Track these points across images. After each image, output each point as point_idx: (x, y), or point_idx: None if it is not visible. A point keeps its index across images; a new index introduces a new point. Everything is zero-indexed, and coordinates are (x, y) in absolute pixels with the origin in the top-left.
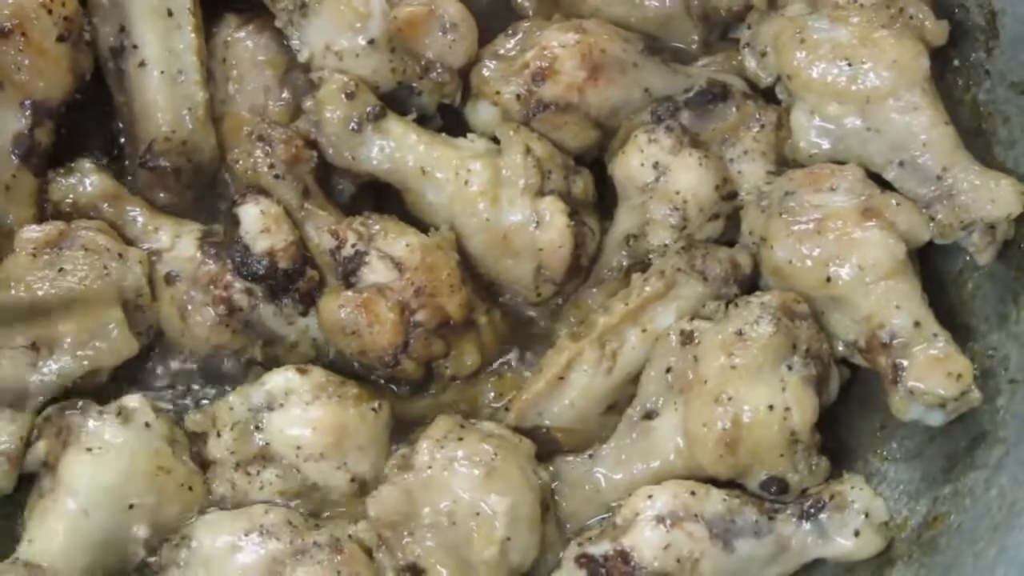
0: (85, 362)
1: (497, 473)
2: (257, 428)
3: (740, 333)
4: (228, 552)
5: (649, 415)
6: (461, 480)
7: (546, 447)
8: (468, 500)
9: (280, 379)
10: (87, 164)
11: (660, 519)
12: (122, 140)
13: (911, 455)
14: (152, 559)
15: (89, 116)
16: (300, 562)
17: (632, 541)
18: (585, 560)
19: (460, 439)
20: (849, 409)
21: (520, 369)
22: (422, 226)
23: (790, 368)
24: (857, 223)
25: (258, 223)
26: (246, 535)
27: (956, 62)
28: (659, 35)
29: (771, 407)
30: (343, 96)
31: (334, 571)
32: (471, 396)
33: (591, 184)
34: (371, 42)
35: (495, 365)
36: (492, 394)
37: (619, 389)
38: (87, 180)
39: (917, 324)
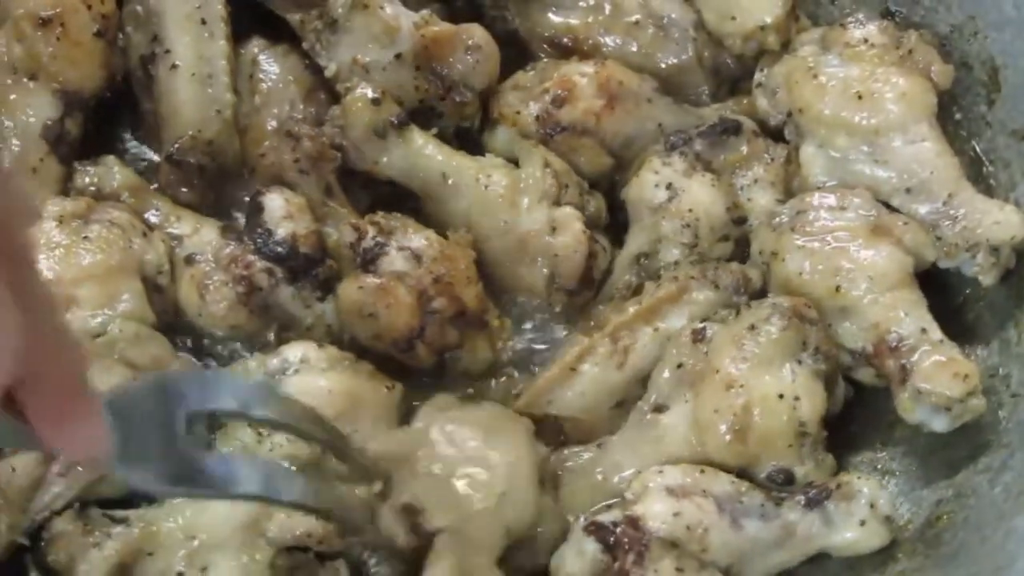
0: (99, 321)
1: (497, 435)
2: None
3: (752, 327)
4: None
5: (659, 408)
6: (460, 437)
7: (553, 437)
8: (467, 454)
9: (298, 348)
10: (112, 158)
11: (670, 490)
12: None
13: (912, 467)
14: None
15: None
16: None
17: (643, 509)
18: (594, 528)
19: (459, 410)
20: (850, 430)
21: (531, 373)
22: (439, 234)
23: (800, 362)
24: (867, 239)
25: (282, 210)
26: None
27: (958, 116)
28: (671, 86)
29: (781, 396)
30: (369, 102)
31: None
32: (479, 391)
33: (604, 207)
34: (398, 56)
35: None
36: (501, 388)
37: (629, 385)
38: (112, 171)
39: (924, 330)
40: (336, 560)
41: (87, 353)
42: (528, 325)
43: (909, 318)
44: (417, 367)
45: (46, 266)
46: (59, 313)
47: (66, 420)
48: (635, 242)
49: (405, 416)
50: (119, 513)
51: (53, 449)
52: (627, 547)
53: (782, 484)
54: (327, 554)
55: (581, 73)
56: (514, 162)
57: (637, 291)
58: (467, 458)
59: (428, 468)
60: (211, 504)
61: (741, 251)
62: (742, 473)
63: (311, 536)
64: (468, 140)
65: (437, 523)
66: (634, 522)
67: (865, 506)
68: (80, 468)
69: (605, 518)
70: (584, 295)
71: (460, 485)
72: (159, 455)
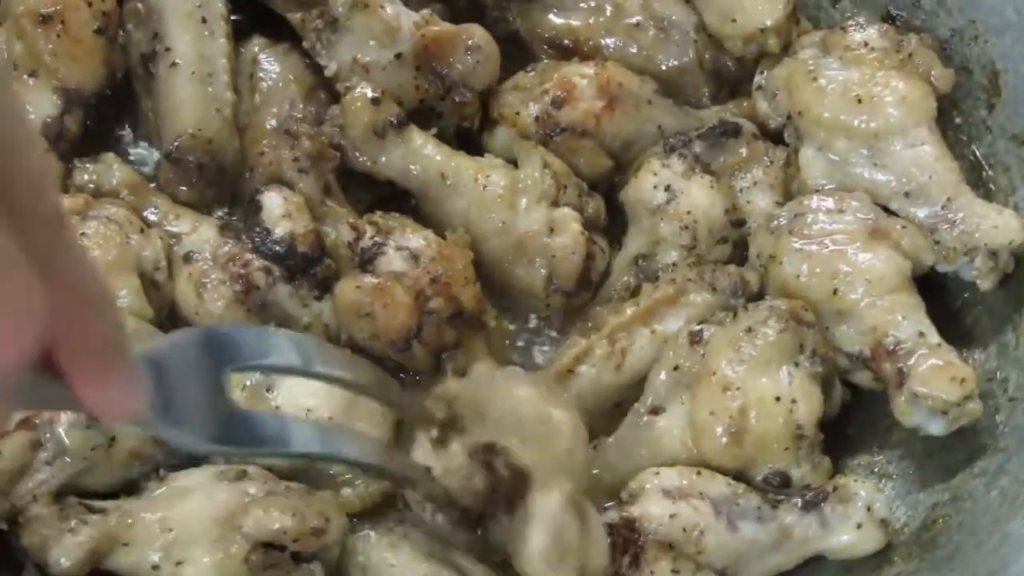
0: None
1: (553, 393)
2: (268, 390)
3: (749, 330)
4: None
5: (655, 410)
6: (522, 392)
7: None
8: (531, 409)
9: None
10: (111, 156)
11: (667, 492)
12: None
13: (909, 470)
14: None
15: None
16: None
17: (639, 510)
18: None
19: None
20: (847, 433)
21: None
22: (437, 234)
23: (797, 365)
24: (865, 242)
25: (280, 208)
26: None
27: (958, 120)
28: (671, 88)
29: (778, 398)
30: (369, 102)
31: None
32: None
33: (603, 209)
34: (398, 56)
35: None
36: None
37: (626, 387)
38: (112, 168)
39: (921, 334)
40: (312, 562)
41: (125, 316)
42: (526, 326)
43: (907, 322)
44: (414, 367)
45: None
46: (95, 275)
47: (105, 382)
48: (633, 244)
49: (399, 422)
50: (98, 504)
51: (94, 411)
52: (623, 548)
53: (778, 487)
54: (303, 555)
55: (581, 74)
56: (513, 163)
57: (635, 293)
58: (533, 413)
59: (499, 416)
60: (188, 497)
61: (739, 253)
62: (738, 476)
63: (286, 533)
64: (468, 140)
65: (525, 460)
66: (630, 523)
67: (861, 509)
68: (68, 459)
69: (602, 519)
70: (582, 296)
71: (530, 437)
72: (205, 413)
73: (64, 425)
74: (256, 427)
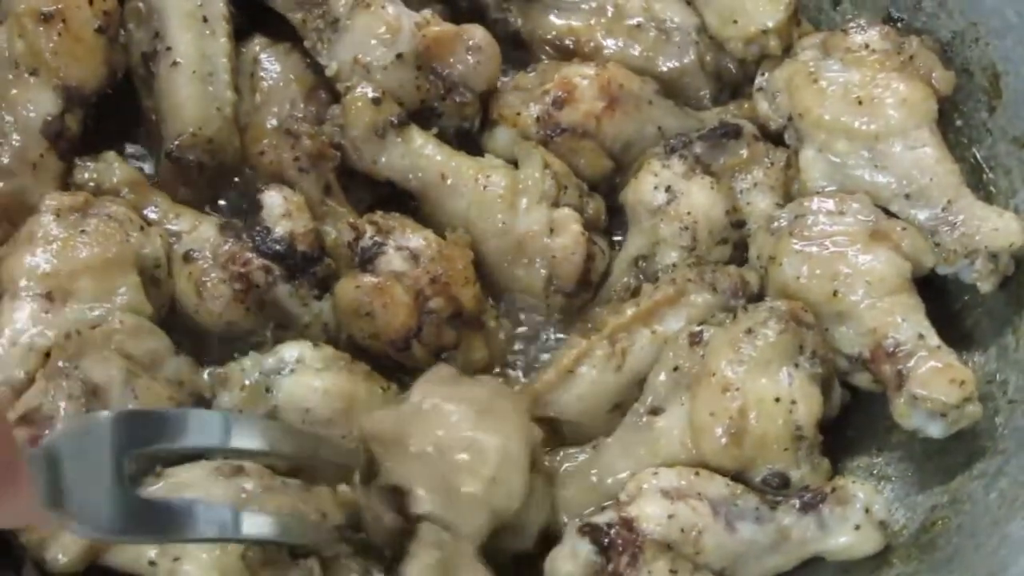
0: (96, 313)
1: (491, 414)
2: (267, 390)
3: (749, 331)
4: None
5: (655, 411)
6: (453, 416)
7: (550, 439)
8: (458, 435)
9: (294, 347)
10: (112, 154)
11: (665, 492)
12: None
13: (908, 472)
14: None
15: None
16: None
17: (637, 511)
18: (588, 529)
19: (455, 385)
20: (846, 435)
21: (525, 375)
22: (437, 234)
23: (797, 366)
24: (865, 244)
25: (280, 208)
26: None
27: (959, 122)
28: (672, 89)
29: (777, 399)
30: (370, 102)
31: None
32: None
33: (603, 210)
34: (399, 56)
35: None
36: None
37: (626, 388)
38: (112, 166)
39: (921, 336)
40: (308, 559)
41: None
42: (525, 327)
43: (907, 323)
44: (413, 365)
45: (43, 259)
46: None
47: None
48: (633, 244)
49: None
50: None
51: None
52: (621, 548)
53: (777, 488)
54: (300, 552)
55: (582, 75)
56: (513, 163)
57: (635, 293)
58: (458, 439)
59: (419, 448)
60: (185, 493)
61: (739, 255)
62: (737, 476)
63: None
64: (468, 141)
65: (422, 508)
66: (628, 523)
67: (860, 511)
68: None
69: (599, 519)
70: (582, 297)
71: (449, 468)
72: (103, 502)
73: (61, 422)
74: (159, 513)
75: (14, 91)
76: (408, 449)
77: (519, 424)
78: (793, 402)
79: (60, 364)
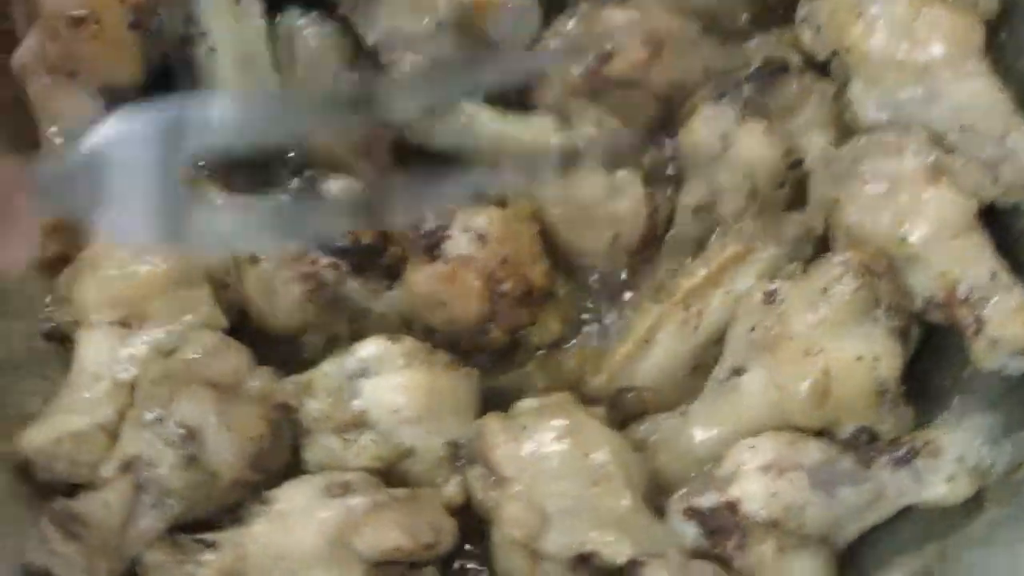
0: (175, 335)
1: (580, 432)
2: (353, 395)
3: (824, 290)
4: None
5: (737, 371)
6: (561, 458)
7: (636, 408)
8: (577, 470)
9: (372, 347)
10: None
11: (765, 469)
12: None
13: (989, 406)
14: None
15: None
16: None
17: (739, 492)
18: (693, 512)
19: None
20: (924, 367)
21: (601, 341)
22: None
23: (875, 321)
24: (926, 183)
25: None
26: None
27: (1004, 35)
28: (709, 18)
29: (859, 358)
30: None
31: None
32: (554, 366)
33: (660, 158)
34: (439, 25)
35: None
36: (574, 362)
37: (704, 350)
38: None
39: (993, 276)
40: (426, 568)
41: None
42: (592, 289)
43: (977, 265)
44: (491, 348)
45: (113, 283)
46: None
47: None
48: (693, 193)
49: (484, 401)
50: (208, 537)
51: None
52: (729, 533)
53: (865, 443)
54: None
55: (623, 24)
56: (562, 121)
57: (700, 244)
58: (578, 473)
59: (558, 508)
60: (295, 520)
61: (798, 194)
62: (824, 432)
63: (399, 550)
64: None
65: None
66: (732, 506)
67: (952, 461)
68: (171, 500)
69: (702, 502)
70: (647, 253)
71: (591, 502)
72: (153, 206)
73: (165, 468)
74: (195, 221)
75: (54, 95)
76: (551, 517)
77: (605, 433)
78: (875, 359)
79: (153, 414)
